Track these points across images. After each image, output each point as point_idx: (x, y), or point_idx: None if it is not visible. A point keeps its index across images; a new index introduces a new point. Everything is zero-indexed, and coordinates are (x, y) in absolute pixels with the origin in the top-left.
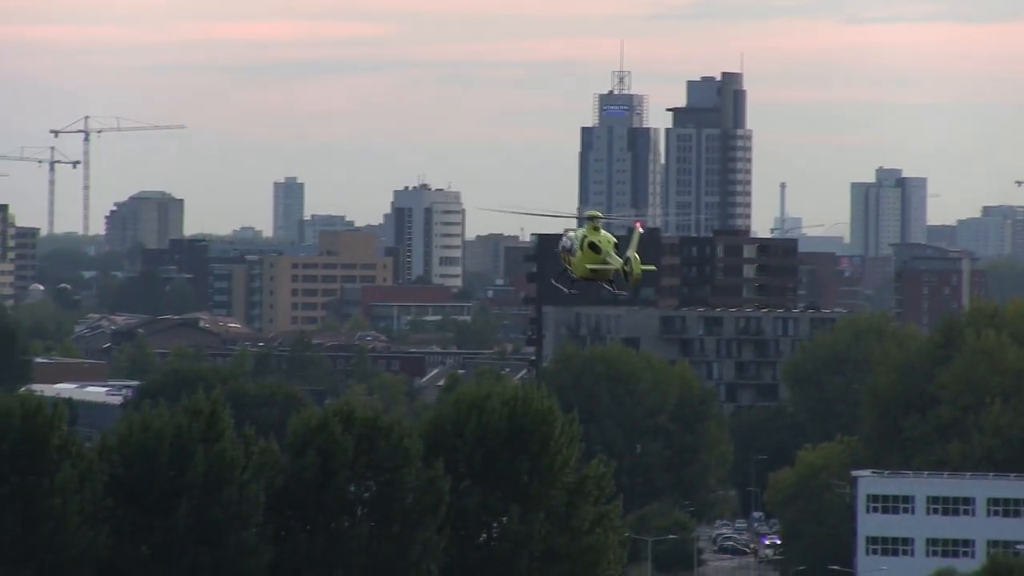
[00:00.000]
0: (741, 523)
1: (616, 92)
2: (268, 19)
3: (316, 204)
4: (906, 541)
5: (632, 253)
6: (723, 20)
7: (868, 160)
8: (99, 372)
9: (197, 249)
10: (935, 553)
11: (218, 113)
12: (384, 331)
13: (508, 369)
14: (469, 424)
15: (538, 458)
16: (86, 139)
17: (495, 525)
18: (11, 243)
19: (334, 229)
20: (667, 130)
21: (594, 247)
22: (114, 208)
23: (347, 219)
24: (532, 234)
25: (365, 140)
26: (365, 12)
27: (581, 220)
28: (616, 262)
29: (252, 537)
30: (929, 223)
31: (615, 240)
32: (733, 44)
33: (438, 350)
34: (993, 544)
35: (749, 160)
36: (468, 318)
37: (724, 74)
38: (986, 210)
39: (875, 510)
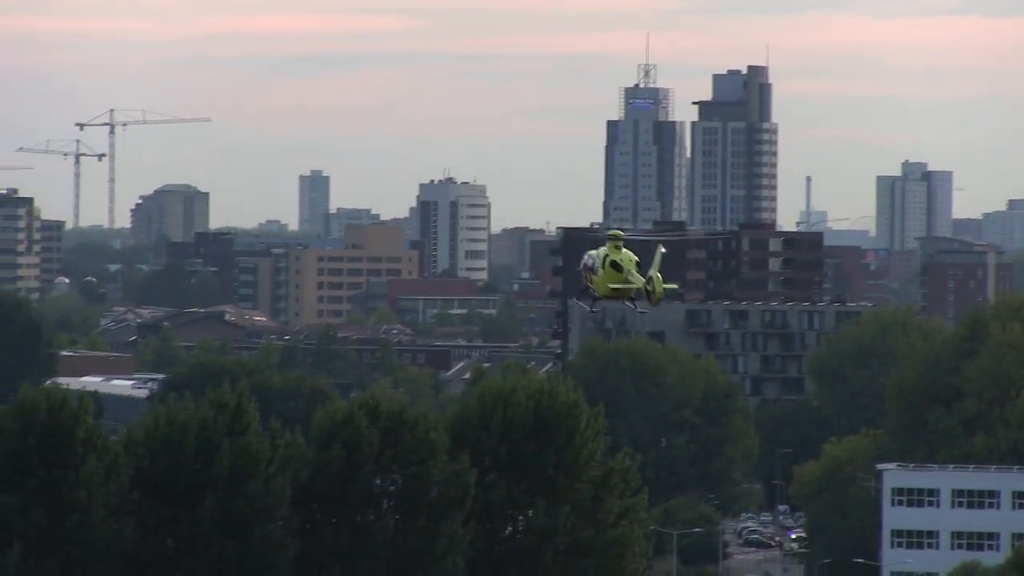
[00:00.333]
0: (766, 516)
1: (642, 86)
2: (294, 13)
3: (342, 197)
4: (931, 534)
5: (655, 272)
6: (749, 13)
7: (894, 154)
8: (125, 365)
9: (223, 242)
10: (960, 546)
11: (244, 106)
12: (409, 324)
13: (534, 362)
14: (495, 417)
15: (564, 451)
16: (111, 132)
17: (521, 518)
18: (36, 236)
19: (360, 222)
20: (693, 123)
21: (616, 266)
22: (139, 201)
23: (373, 212)
24: (557, 228)
25: (390, 134)
26: (392, 6)
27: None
28: (638, 281)
29: (277, 530)
30: (955, 216)
31: (637, 259)
32: (759, 37)
33: (463, 343)
34: (1018, 537)
35: (775, 154)
36: (493, 311)
37: (750, 67)
38: (1012, 203)
39: (900, 503)
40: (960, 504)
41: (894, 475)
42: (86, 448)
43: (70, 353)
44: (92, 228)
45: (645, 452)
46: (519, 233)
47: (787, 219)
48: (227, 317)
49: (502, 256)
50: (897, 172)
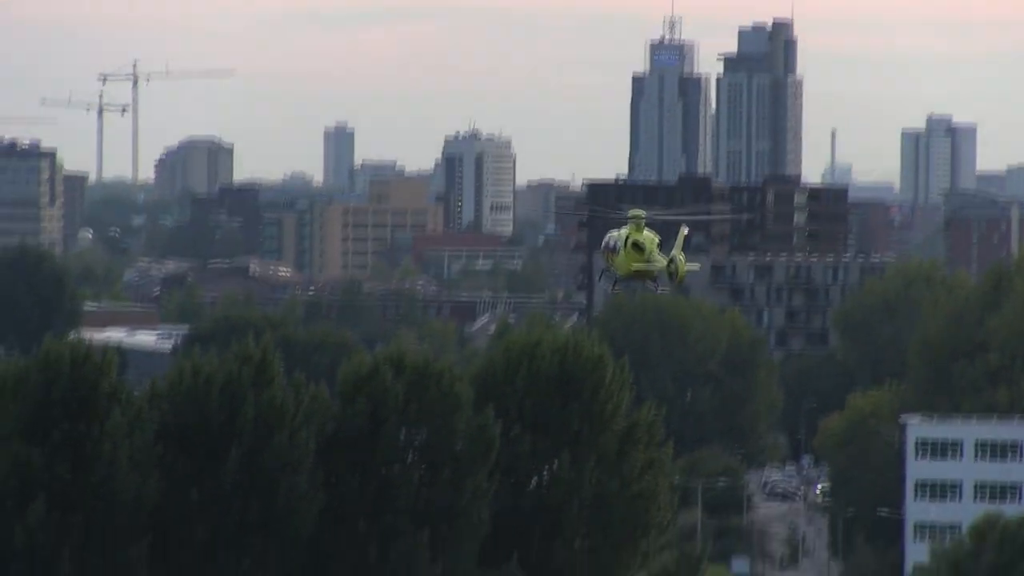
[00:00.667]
0: (790, 468)
1: (667, 40)
2: None
3: (367, 151)
4: (954, 485)
5: (677, 253)
6: None
7: (919, 108)
8: (149, 318)
9: (247, 196)
10: (983, 497)
11: (268, 60)
12: (435, 278)
13: (559, 316)
14: (520, 371)
15: (589, 404)
16: (135, 85)
17: (545, 471)
18: (60, 189)
19: (385, 176)
20: (718, 77)
21: (638, 246)
22: (163, 154)
23: (398, 166)
24: (583, 181)
25: (416, 87)
26: None
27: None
28: (660, 262)
29: (302, 483)
30: (979, 171)
31: (658, 239)
32: None
33: (489, 297)
34: None
35: (800, 107)
36: (519, 265)
37: (775, 21)
38: None
39: (924, 455)
40: (983, 456)
41: (918, 427)
42: (110, 401)
43: (94, 306)
44: (116, 181)
45: (670, 405)
46: (544, 186)
47: (812, 173)
48: (251, 270)
49: (527, 210)
50: (922, 126)
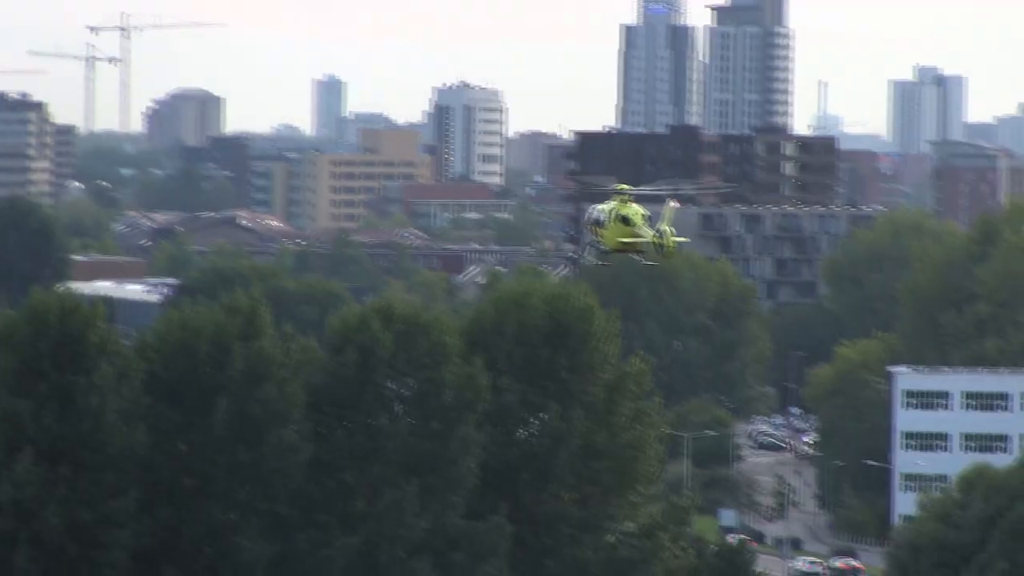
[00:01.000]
0: (779, 419)
1: None
2: None
3: (356, 102)
4: (942, 436)
5: (665, 227)
6: None
7: (908, 58)
8: (137, 270)
9: (237, 147)
10: (971, 448)
11: (259, 11)
12: (424, 229)
13: (548, 266)
14: (509, 321)
15: (577, 355)
16: (125, 36)
17: (534, 421)
18: (49, 141)
19: (374, 127)
20: (708, 28)
21: (625, 220)
22: (153, 106)
23: (387, 117)
24: (573, 131)
25: (405, 38)
26: None
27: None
28: (647, 234)
29: (291, 434)
30: (968, 121)
31: (645, 212)
32: None
33: (478, 247)
34: None
35: (789, 58)
36: (508, 216)
37: None
38: None
39: (912, 406)
40: (971, 406)
41: (906, 378)
42: (98, 353)
43: (82, 258)
44: (105, 133)
45: (659, 355)
46: (534, 137)
47: (801, 124)
48: (241, 222)
49: (517, 160)
50: (911, 77)
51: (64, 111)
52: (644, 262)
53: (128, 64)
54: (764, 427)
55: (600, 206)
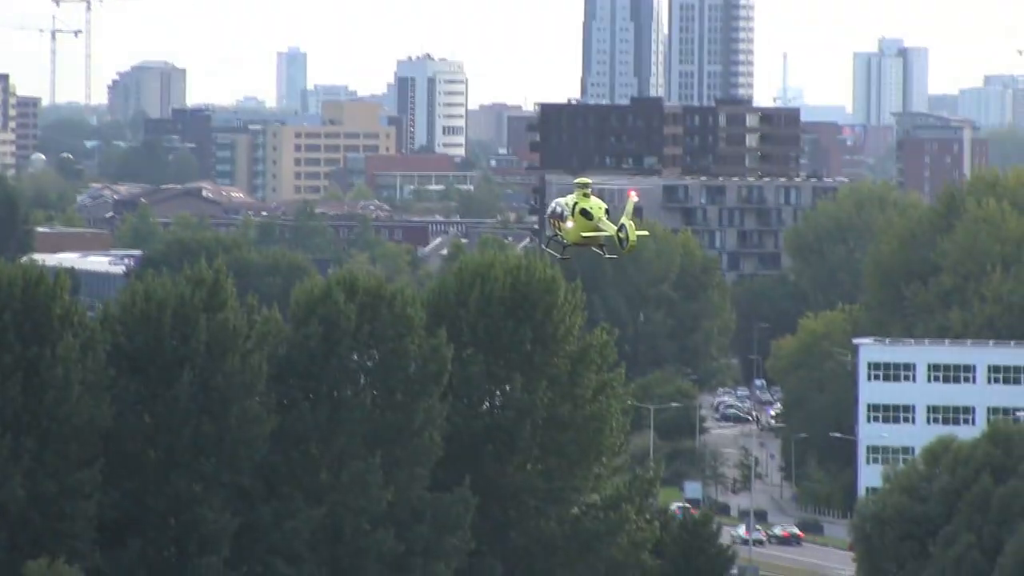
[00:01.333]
0: (743, 391)
1: None
2: None
3: (319, 74)
4: (907, 408)
5: (627, 220)
6: None
7: (870, 31)
8: (101, 242)
9: (200, 119)
10: (936, 420)
11: None
12: (387, 200)
13: (511, 238)
14: (472, 293)
15: (541, 326)
16: (88, 8)
17: (498, 393)
18: (12, 113)
19: (337, 99)
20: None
21: (586, 213)
22: (116, 78)
23: (350, 89)
24: (535, 103)
25: (368, 10)
26: None
27: None
28: (609, 228)
29: (255, 406)
30: (931, 93)
31: (606, 206)
32: None
33: (441, 219)
34: (994, 411)
35: (752, 30)
36: (471, 187)
37: None
38: (988, 79)
39: (876, 378)
40: (936, 378)
41: (870, 350)
42: (62, 324)
43: (46, 230)
44: (69, 105)
45: (622, 327)
46: (497, 109)
47: (764, 96)
48: (204, 193)
49: (479, 132)
50: (873, 49)
51: (27, 83)
52: (605, 255)
53: (91, 36)
54: (728, 399)
55: (562, 199)
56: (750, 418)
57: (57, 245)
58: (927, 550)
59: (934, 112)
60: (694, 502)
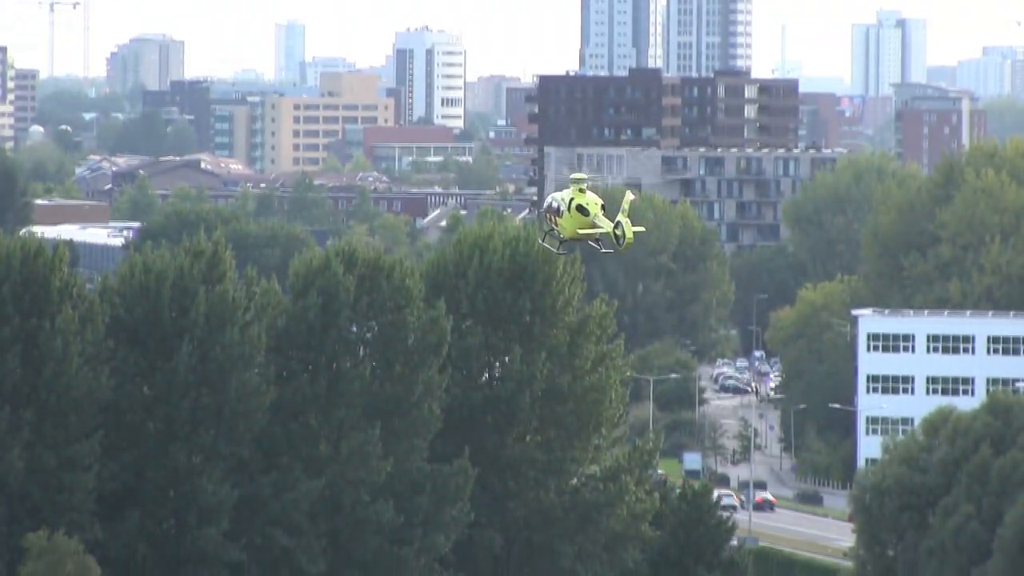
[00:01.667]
0: (742, 362)
1: None
2: None
3: (317, 46)
4: (906, 379)
5: (623, 219)
6: None
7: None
8: (100, 214)
9: (198, 91)
10: (935, 391)
11: None
12: (386, 172)
13: (510, 209)
14: (471, 264)
15: (540, 298)
16: None
17: (497, 365)
18: (11, 85)
19: (336, 71)
20: None
21: (582, 209)
22: (115, 50)
23: (348, 61)
24: (534, 75)
25: None
26: None
27: None
28: (606, 225)
29: (254, 378)
30: (929, 64)
31: (602, 202)
32: None
33: (440, 191)
34: (993, 382)
35: (750, 1)
36: (470, 159)
37: None
38: (986, 50)
39: (875, 348)
40: (935, 349)
41: (869, 320)
42: (61, 297)
43: (45, 202)
44: (67, 77)
45: (621, 299)
46: (495, 80)
47: (762, 68)
48: (203, 165)
49: (478, 104)
50: (872, 20)
51: (26, 55)
52: (602, 250)
53: (89, 8)
54: (727, 370)
55: (558, 194)
56: (749, 389)
57: (56, 217)
58: (926, 521)
59: (932, 83)
60: (693, 473)
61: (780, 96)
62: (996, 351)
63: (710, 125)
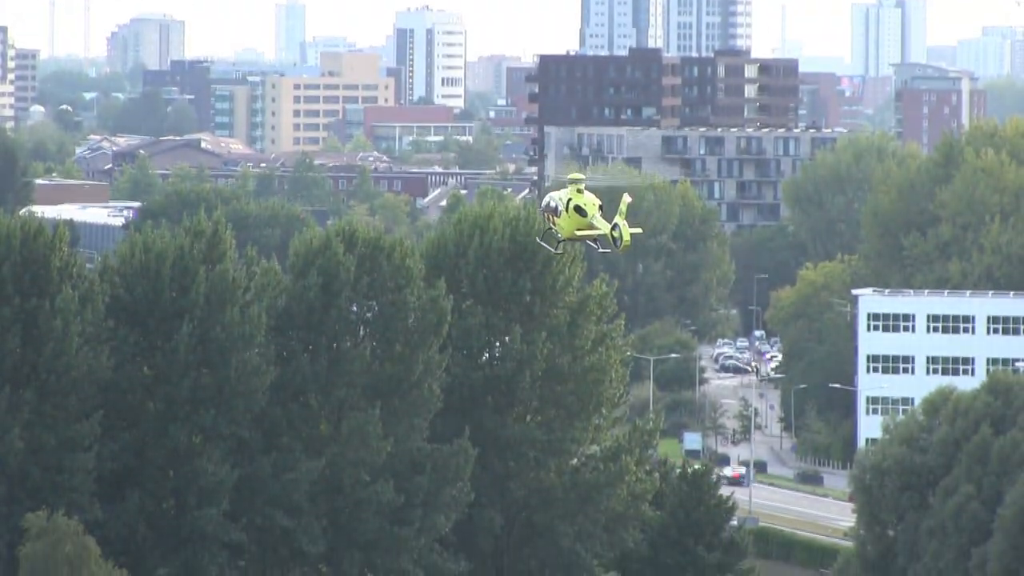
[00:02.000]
0: (742, 342)
1: None
2: None
3: (318, 26)
4: (906, 359)
5: (621, 220)
6: None
7: None
8: (100, 194)
9: (199, 70)
10: (935, 371)
11: None
12: (386, 152)
13: (510, 189)
14: (472, 244)
15: (540, 277)
16: None
17: (497, 344)
18: (11, 65)
19: (336, 50)
20: None
21: (580, 210)
22: (115, 30)
23: (349, 40)
24: (534, 54)
25: None
26: None
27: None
28: (603, 225)
29: (254, 358)
30: (929, 44)
31: (600, 203)
32: None
33: (440, 170)
34: (993, 362)
35: None
36: (470, 138)
37: None
38: (985, 30)
39: (876, 328)
40: (935, 329)
41: (870, 300)
42: (61, 277)
43: (45, 182)
44: (67, 57)
45: (622, 278)
46: (495, 60)
47: (762, 47)
48: (203, 145)
49: (478, 83)
50: (872, 0)
51: (27, 35)
52: (600, 249)
53: None
54: (728, 350)
55: (556, 194)
56: (749, 369)
57: (56, 197)
58: (927, 501)
59: (932, 63)
60: (694, 453)
61: (780, 76)
62: (996, 331)
63: (710, 105)
